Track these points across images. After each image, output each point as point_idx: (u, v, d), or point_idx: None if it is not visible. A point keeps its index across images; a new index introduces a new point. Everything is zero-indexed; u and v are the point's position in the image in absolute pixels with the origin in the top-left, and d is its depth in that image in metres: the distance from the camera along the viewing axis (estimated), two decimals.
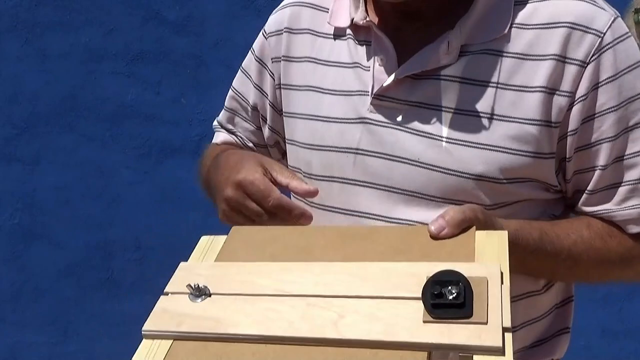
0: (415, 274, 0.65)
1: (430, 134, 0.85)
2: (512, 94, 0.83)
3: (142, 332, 0.68)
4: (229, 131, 1.11)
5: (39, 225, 2.45)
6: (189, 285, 0.69)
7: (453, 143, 0.84)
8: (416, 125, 0.86)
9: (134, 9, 2.39)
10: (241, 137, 1.10)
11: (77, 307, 2.48)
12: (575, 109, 0.83)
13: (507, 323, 0.59)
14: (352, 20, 0.91)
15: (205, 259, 0.76)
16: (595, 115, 0.83)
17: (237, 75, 1.08)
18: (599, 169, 0.85)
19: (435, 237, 0.71)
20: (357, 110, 0.89)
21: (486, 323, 0.59)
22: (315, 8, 0.97)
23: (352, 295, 0.66)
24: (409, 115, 0.86)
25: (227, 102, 1.10)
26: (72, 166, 2.43)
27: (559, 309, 0.96)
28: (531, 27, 0.84)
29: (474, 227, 0.72)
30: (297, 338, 0.63)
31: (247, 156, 0.90)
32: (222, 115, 1.12)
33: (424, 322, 0.60)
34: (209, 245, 0.78)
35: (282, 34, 0.99)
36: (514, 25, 0.84)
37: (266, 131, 1.06)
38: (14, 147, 2.43)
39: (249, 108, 1.06)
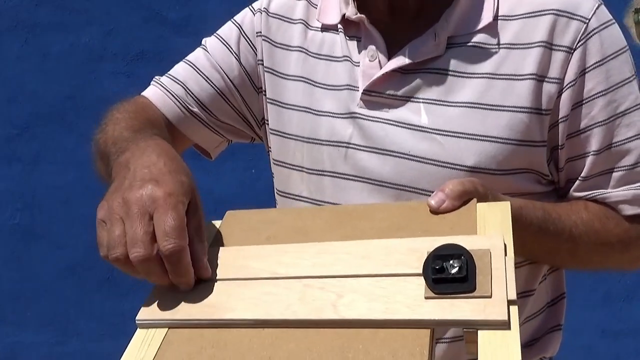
0: (415, 250, 0.63)
1: (421, 126, 0.85)
2: (502, 83, 0.83)
3: (136, 322, 0.66)
4: (180, 84, 1.00)
5: (39, 225, 2.46)
6: None
7: (444, 135, 0.84)
8: (406, 118, 0.86)
9: (134, 9, 2.40)
10: (186, 102, 0.99)
11: (77, 307, 2.48)
12: (565, 96, 0.83)
13: (512, 296, 0.57)
14: (344, 15, 0.91)
15: None
16: (584, 101, 0.84)
17: (210, 39, 1.02)
18: (592, 155, 0.85)
19: (435, 211, 0.69)
20: (347, 105, 0.89)
21: (490, 296, 0.57)
22: (307, 1, 0.98)
23: (351, 275, 0.64)
24: (399, 109, 0.86)
25: (192, 58, 1.02)
26: (72, 166, 2.43)
27: (551, 306, 0.96)
28: (516, 17, 0.85)
29: (475, 200, 0.71)
30: (295, 321, 0.61)
31: (178, 165, 0.70)
32: (180, 69, 1.02)
33: (426, 298, 0.59)
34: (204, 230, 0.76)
35: (270, 17, 0.99)
36: (500, 18, 0.85)
37: (232, 100, 1.00)
38: (14, 147, 2.43)
39: (219, 71, 1.00)
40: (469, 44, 0.85)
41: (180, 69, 1.02)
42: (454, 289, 0.58)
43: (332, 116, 0.90)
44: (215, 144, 1.06)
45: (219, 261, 0.69)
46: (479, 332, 0.56)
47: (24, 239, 2.46)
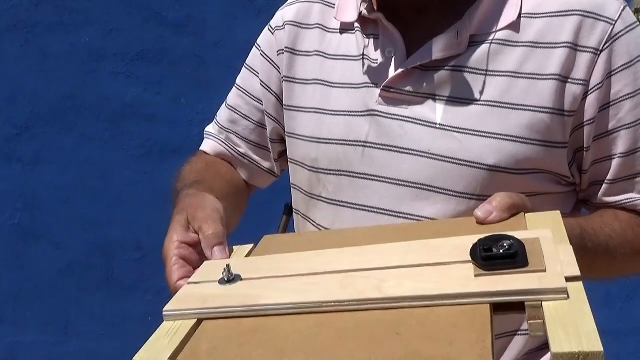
0: (462, 245, 0.60)
1: (441, 124, 0.84)
2: (524, 82, 0.82)
3: (163, 314, 0.62)
4: (225, 130, 1.08)
5: (39, 225, 2.45)
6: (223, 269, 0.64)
7: (464, 133, 0.82)
8: (425, 116, 0.84)
9: (134, 9, 2.39)
10: (234, 144, 1.07)
11: (77, 307, 2.48)
12: (591, 98, 0.82)
13: (575, 272, 0.54)
14: (360, 13, 0.90)
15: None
16: (612, 103, 0.83)
17: (241, 72, 1.07)
18: (618, 157, 0.84)
19: (482, 222, 0.68)
20: (366, 103, 0.88)
21: (545, 270, 0.54)
22: (323, 4, 0.97)
23: (394, 266, 0.61)
24: (418, 107, 0.85)
25: (230, 100, 1.08)
26: (72, 166, 2.43)
27: None
28: (541, 15, 0.83)
29: (523, 213, 0.69)
30: (337, 302, 0.57)
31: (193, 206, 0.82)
32: (223, 114, 1.09)
33: (476, 276, 0.55)
34: (236, 251, 0.75)
35: (288, 27, 0.99)
36: (523, 15, 0.84)
37: (270, 127, 1.04)
38: (14, 147, 2.43)
39: (253, 104, 1.05)
40: (492, 41, 0.84)
41: (223, 113, 1.09)
42: (505, 265, 0.55)
43: (349, 115, 0.89)
44: (269, 181, 1.12)
45: (255, 265, 0.68)
46: (544, 304, 0.52)
47: (24, 239, 2.46)
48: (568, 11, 0.82)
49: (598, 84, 0.82)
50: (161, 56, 2.39)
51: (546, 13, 0.83)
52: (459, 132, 0.83)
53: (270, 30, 1.02)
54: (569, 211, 0.91)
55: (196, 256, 0.74)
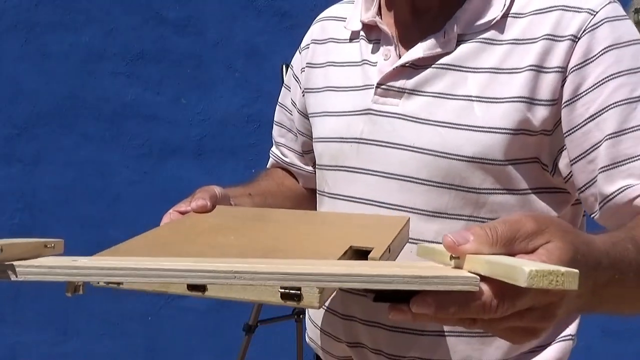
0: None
1: (426, 119, 0.90)
2: (504, 77, 0.86)
3: None
4: (279, 145, 1.22)
5: (39, 225, 2.45)
6: None
7: (445, 127, 0.88)
8: (413, 112, 0.91)
9: (134, 9, 2.40)
10: (284, 155, 1.21)
11: (77, 307, 2.48)
12: (567, 82, 0.83)
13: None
14: (363, 21, 0.99)
15: None
16: (594, 86, 0.82)
17: (281, 91, 1.20)
18: (608, 138, 0.81)
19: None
20: (364, 103, 0.96)
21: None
22: (338, 19, 1.07)
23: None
24: (407, 103, 0.92)
25: (276, 116, 1.22)
26: (72, 166, 2.43)
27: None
28: (526, 14, 0.88)
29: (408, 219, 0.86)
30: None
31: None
32: (274, 131, 1.23)
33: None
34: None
35: (309, 46, 1.10)
36: (510, 15, 0.89)
37: (300, 140, 1.16)
38: (14, 147, 2.43)
39: (291, 118, 1.17)
40: (478, 40, 0.89)
41: (274, 130, 1.22)
42: None
43: (348, 115, 0.98)
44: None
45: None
46: None
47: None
48: (551, 7, 0.86)
49: (574, 67, 0.83)
50: (161, 56, 2.39)
51: (531, 11, 0.87)
52: (440, 126, 0.88)
53: (299, 51, 1.14)
54: (561, 213, 0.90)
55: None
